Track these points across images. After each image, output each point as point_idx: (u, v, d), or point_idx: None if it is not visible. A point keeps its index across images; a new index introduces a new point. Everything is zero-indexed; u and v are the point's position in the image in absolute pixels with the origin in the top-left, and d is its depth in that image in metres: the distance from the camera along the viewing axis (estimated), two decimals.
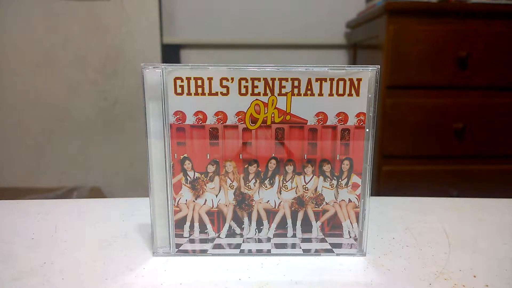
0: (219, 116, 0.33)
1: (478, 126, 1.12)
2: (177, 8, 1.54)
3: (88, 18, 1.37)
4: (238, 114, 0.32)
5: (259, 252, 0.35)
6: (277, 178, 0.34)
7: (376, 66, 0.31)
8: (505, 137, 1.13)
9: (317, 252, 0.35)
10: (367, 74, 0.32)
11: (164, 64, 0.31)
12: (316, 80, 0.32)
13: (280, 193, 0.34)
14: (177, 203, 0.34)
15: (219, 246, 0.35)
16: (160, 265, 0.33)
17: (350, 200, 0.34)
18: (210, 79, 0.32)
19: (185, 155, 0.33)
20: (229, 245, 0.35)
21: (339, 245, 0.35)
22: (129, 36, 1.43)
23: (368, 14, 1.26)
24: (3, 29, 1.36)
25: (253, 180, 0.34)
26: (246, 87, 0.32)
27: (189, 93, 0.32)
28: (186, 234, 0.35)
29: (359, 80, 0.32)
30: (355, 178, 0.34)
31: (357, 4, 1.53)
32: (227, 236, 0.35)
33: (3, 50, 1.37)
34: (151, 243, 0.35)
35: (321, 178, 0.34)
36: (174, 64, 0.31)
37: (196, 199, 0.34)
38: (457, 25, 1.07)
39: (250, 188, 0.34)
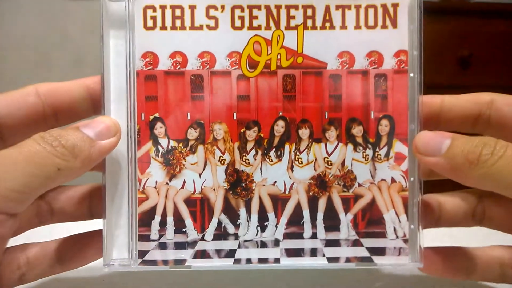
0: (205, 59, 0.24)
1: None
2: None
3: (87, 18, 1.37)
4: (230, 55, 0.24)
5: (263, 262, 0.23)
6: (287, 147, 0.24)
7: None
8: None
9: (349, 261, 0.23)
10: None
11: None
12: (337, 7, 0.24)
13: (292, 170, 0.24)
14: (143, 187, 0.24)
15: (203, 254, 0.24)
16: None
17: (393, 180, 0.24)
18: (192, 7, 0.23)
19: (156, 114, 0.24)
20: (218, 252, 0.24)
21: (380, 250, 0.24)
22: None
23: None
24: (0, 29, 1.34)
25: (253, 152, 0.24)
26: (241, 18, 0.24)
27: (163, 27, 0.24)
28: (154, 235, 0.24)
29: (395, 5, 0.23)
30: (398, 146, 0.24)
31: None
32: (216, 237, 0.24)
33: (1, 50, 1.34)
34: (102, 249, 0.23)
35: (350, 146, 0.24)
36: None
37: (170, 180, 0.24)
38: (459, 24, 1.06)
39: (249, 163, 0.24)
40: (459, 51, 1.06)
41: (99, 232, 0.23)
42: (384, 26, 0.24)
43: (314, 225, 0.24)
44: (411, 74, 0.23)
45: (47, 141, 0.19)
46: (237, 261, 0.24)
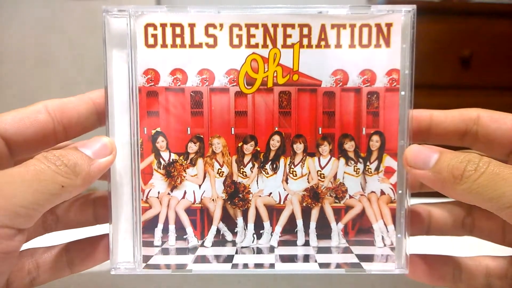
0: (204, 76, 0.25)
1: None
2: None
3: (86, 17, 1.36)
4: (229, 73, 0.24)
5: (259, 267, 0.25)
6: (282, 161, 0.25)
7: (412, 6, 0.24)
8: None
9: (339, 267, 0.25)
10: (400, 17, 0.24)
11: (132, 5, 0.24)
12: (332, 26, 0.24)
13: (287, 183, 0.25)
14: (146, 196, 0.25)
15: (203, 259, 0.25)
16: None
17: (382, 192, 0.25)
18: (192, 25, 0.24)
19: (158, 129, 0.25)
20: (217, 257, 0.25)
21: (369, 257, 0.25)
22: None
23: None
24: (0, 29, 1.34)
25: (250, 165, 0.25)
26: (239, 36, 0.24)
27: (164, 45, 0.24)
28: (157, 241, 0.25)
29: (389, 25, 0.24)
30: (388, 161, 0.25)
31: (357, 3, 1.52)
32: (215, 244, 0.25)
33: (1, 49, 1.34)
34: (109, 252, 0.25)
35: (342, 160, 0.25)
36: (144, 5, 0.24)
37: (172, 191, 0.25)
38: (460, 24, 1.05)
39: (246, 175, 0.25)
40: (460, 51, 1.06)
41: (106, 236, 0.25)
42: (377, 45, 0.24)
43: (307, 233, 0.26)
44: (402, 93, 0.24)
45: (51, 160, 0.20)
46: (235, 265, 0.25)
